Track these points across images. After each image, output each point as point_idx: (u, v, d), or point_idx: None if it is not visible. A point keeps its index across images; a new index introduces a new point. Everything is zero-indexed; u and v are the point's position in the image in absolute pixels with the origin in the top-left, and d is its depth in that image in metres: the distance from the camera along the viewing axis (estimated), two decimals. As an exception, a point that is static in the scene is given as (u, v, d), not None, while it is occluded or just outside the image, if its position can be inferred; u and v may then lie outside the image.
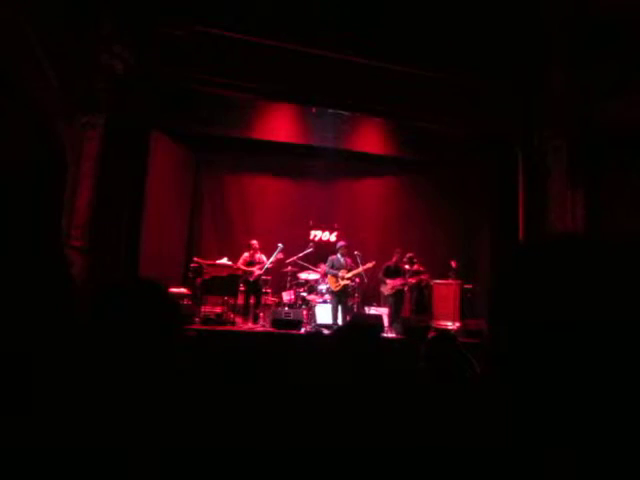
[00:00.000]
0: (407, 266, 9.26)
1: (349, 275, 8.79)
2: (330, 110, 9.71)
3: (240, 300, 8.88)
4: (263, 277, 8.93)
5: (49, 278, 1.01)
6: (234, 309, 8.65)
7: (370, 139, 10.62)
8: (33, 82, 5.13)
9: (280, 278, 9.58)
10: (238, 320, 8.52)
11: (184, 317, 6.88)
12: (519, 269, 0.70)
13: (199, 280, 8.77)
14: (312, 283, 9.54)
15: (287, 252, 9.26)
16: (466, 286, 9.73)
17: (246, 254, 8.94)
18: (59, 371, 0.93)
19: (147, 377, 1.04)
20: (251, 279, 8.71)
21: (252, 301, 8.77)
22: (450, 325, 9.08)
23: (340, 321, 8.53)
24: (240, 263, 8.87)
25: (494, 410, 0.70)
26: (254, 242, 9.01)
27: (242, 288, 8.90)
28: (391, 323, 8.82)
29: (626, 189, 7.30)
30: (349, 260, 8.95)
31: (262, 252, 9.01)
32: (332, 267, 8.86)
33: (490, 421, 0.70)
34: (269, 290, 9.41)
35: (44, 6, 5.59)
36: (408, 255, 9.34)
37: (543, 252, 0.69)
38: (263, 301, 9.06)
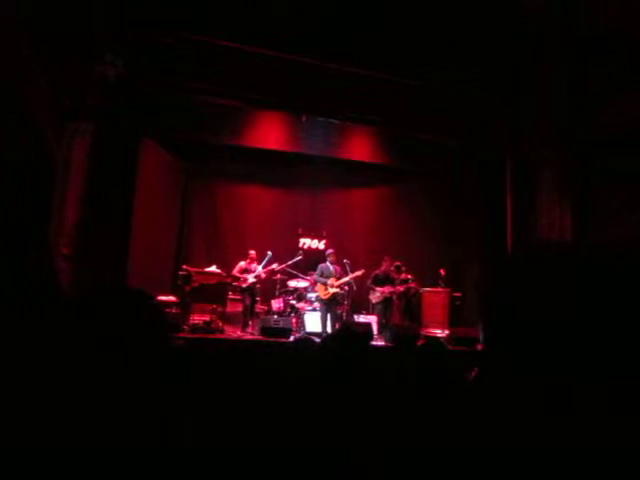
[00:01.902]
0: (395, 274, 9.29)
1: (338, 283, 8.80)
2: (320, 118, 9.75)
3: (229, 308, 8.86)
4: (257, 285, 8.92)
5: (36, 285, 1.00)
6: (223, 317, 8.61)
7: (359, 148, 10.65)
8: (24, 89, 5.11)
9: (269, 286, 9.56)
10: (227, 328, 8.49)
11: (171, 326, 6.83)
12: (510, 279, 0.71)
13: (188, 288, 8.73)
14: (301, 291, 9.53)
15: (276, 260, 9.25)
16: (455, 294, 9.77)
17: (242, 263, 8.91)
18: (47, 378, 0.92)
19: (133, 386, 1.04)
20: (244, 285, 8.68)
21: (241, 309, 8.76)
22: (439, 333, 9.11)
23: (329, 329, 8.52)
24: (236, 271, 8.84)
25: (486, 415, 0.70)
26: (252, 252, 8.99)
27: (239, 297, 8.88)
28: (380, 331, 8.83)
29: (614, 198, 7.37)
30: (338, 268, 8.96)
31: (256, 262, 9.00)
32: (321, 275, 8.87)
33: (483, 425, 0.71)
34: (258, 298, 9.39)
35: (36, 14, 5.57)
36: (395, 264, 9.37)
37: (532, 262, 0.70)
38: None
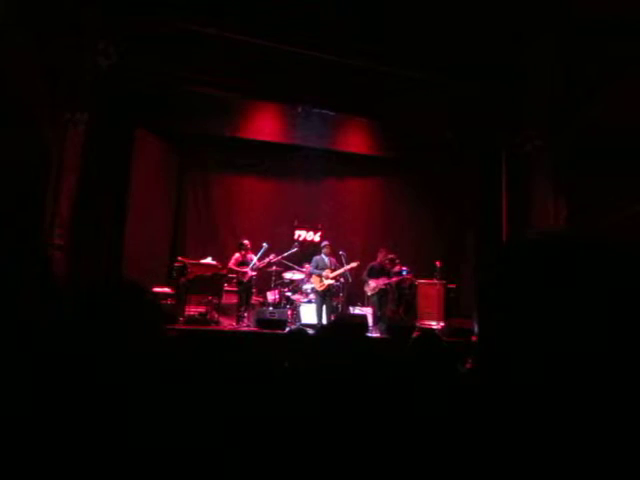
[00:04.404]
0: (389, 266, 9.30)
1: (333, 275, 8.80)
2: (316, 110, 9.71)
3: (225, 300, 8.85)
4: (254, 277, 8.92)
5: (30, 276, 1.00)
6: (218, 309, 8.60)
7: (355, 139, 10.63)
8: (18, 80, 5.06)
9: (265, 278, 9.55)
10: (222, 320, 8.48)
11: (165, 317, 6.81)
12: (505, 267, 0.70)
13: (183, 279, 8.70)
14: (297, 283, 9.54)
15: (272, 252, 9.23)
16: (450, 286, 9.79)
17: (237, 254, 8.88)
18: (42, 368, 0.92)
19: (128, 375, 1.03)
20: (245, 279, 8.68)
21: (236, 301, 8.75)
22: (434, 324, 9.13)
23: (325, 321, 8.52)
24: (232, 263, 8.81)
25: (481, 406, 0.70)
26: (246, 242, 8.93)
27: (235, 289, 8.86)
28: (375, 323, 8.85)
29: (609, 190, 7.38)
30: (333, 260, 8.96)
31: (251, 252, 8.97)
32: (316, 267, 8.87)
33: (477, 417, 0.71)
34: (253, 290, 9.37)
35: (28, 4, 5.52)
36: (389, 256, 9.37)
37: (527, 250, 0.70)
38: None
